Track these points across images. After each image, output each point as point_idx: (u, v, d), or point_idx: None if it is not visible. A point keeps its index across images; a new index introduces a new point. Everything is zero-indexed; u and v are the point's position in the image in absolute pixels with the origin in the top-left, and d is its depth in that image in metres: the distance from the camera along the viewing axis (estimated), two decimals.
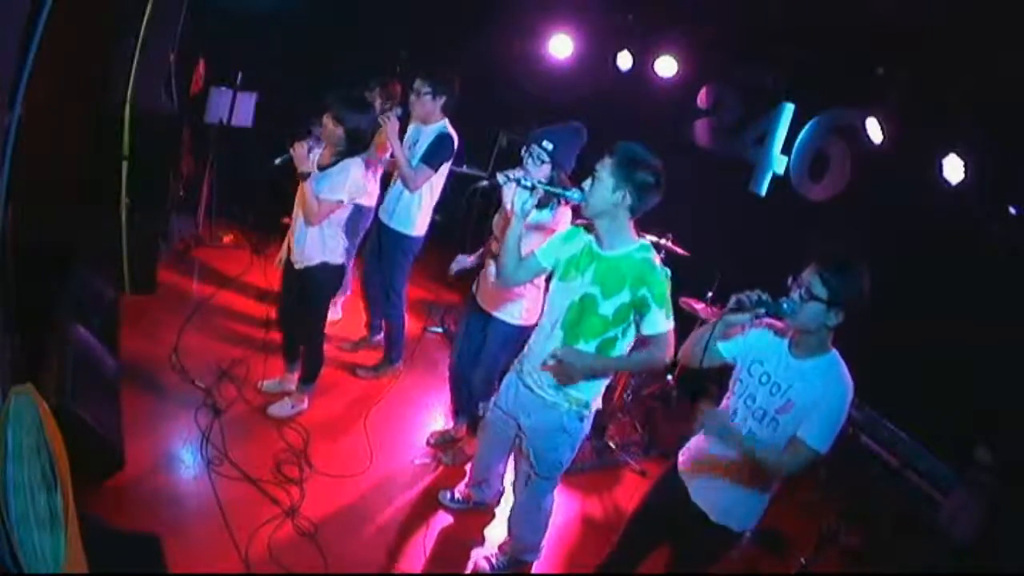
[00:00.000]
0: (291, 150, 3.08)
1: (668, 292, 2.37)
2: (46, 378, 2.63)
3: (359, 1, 5.65)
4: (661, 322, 2.35)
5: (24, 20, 2.06)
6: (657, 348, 2.39)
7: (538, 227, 2.92)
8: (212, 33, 4.80)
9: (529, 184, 2.42)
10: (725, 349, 2.25)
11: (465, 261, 3.48)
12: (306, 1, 5.50)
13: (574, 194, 2.42)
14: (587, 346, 2.43)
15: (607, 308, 2.38)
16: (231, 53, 5.03)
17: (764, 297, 2.04)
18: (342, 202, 3.13)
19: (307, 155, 3.08)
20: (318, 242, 3.24)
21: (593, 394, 2.57)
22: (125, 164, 3.85)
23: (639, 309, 2.36)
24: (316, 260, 3.28)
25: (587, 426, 2.62)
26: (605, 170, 2.32)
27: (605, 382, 2.59)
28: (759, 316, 2.10)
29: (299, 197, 3.19)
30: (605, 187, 2.32)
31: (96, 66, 3.63)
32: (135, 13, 3.61)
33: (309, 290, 3.39)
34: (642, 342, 2.44)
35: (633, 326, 2.43)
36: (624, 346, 2.47)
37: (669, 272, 2.39)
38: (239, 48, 5.10)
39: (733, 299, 2.06)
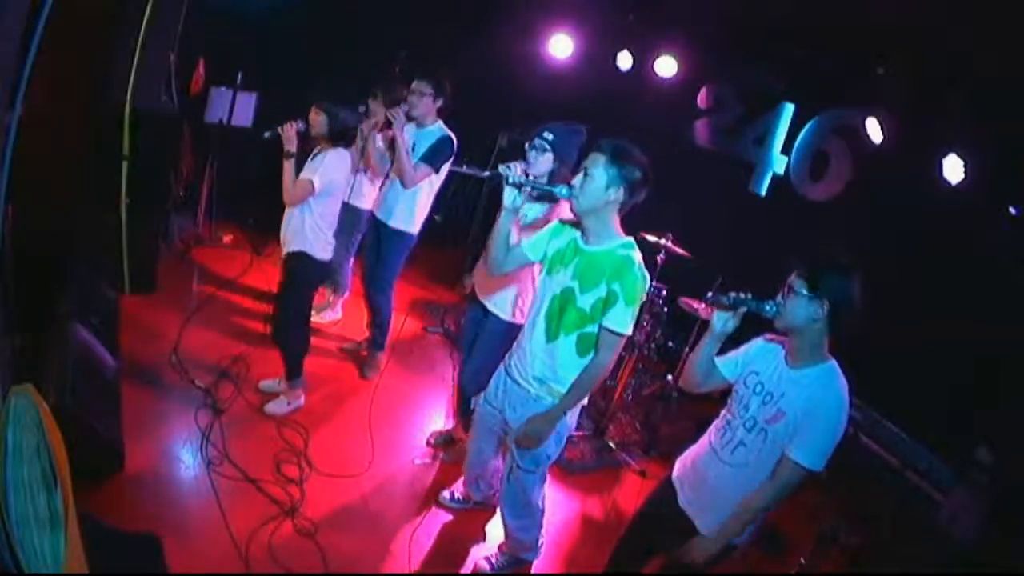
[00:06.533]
0: (281, 128, 3.27)
1: (640, 295, 2.36)
2: (46, 378, 2.63)
3: (359, 1, 5.65)
4: (624, 320, 2.34)
5: (24, 20, 2.06)
6: (606, 349, 2.39)
7: (533, 224, 2.92)
8: (212, 33, 4.79)
9: (518, 181, 2.42)
10: (725, 369, 2.25)
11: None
12: (306, 1, 5.50)
13: (561, 191, 2.41)
14: (567, 339, 2.44)
15: (584, 302, 2.38)
16: (231, 53, 5.03)
17: (746, 296, 2.06)
18: (313, 185, 3.21)
19: (295, 136, 3.26)
20: (300, 229, 3.33)
21: None
22: (125, 164, 3.86)
23: (608, 302, 2.35)
24: (295, 247, 3.35)
25: (572, 420, 2.63)
26: (597, 167, 2.32)
27: None
28: (737, 310, 2.10)
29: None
30: (598, 185, 2.32)
31: (96, 66, 3.62)
32: (135, 13, 3.62)
33: (285, 277, 3.48)
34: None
35: None
36: None
37: (648, 276, 2.39)
38: (239, 48, 5.10)
39: (714, 297, 2.11)
